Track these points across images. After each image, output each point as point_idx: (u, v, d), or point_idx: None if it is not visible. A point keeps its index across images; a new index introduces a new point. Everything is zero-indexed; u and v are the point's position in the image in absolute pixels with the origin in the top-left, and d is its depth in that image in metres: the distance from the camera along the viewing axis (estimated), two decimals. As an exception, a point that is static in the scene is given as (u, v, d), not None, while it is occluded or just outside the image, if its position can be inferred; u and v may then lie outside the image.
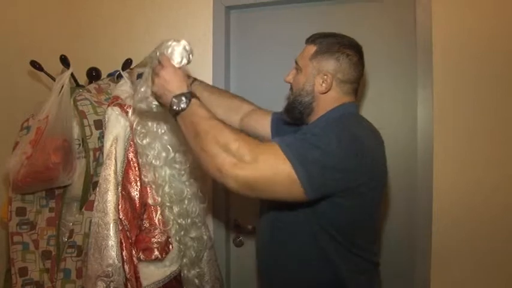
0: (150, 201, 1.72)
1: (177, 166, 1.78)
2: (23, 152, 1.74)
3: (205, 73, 2.17)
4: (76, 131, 1.76)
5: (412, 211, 1.99)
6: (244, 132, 1.71)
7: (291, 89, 1.47)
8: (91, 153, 1.72)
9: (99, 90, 1.86)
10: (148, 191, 1.73)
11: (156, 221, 1.73)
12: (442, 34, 1.88)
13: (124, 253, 1.61)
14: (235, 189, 1.14)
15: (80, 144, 1.77)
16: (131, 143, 1.71)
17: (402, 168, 2.01)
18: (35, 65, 1.94)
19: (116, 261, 1.57)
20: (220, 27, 2.16)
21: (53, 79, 1.94)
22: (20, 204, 1.79)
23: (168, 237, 1.71)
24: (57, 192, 1.80)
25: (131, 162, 1.70)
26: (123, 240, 1.62)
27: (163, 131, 1.75)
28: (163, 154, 1.75)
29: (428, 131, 1.91)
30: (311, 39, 1.43)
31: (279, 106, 1.54)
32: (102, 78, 2.05)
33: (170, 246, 1.70)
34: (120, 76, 1.92)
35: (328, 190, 1.18)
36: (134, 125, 1.71)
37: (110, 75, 2.05)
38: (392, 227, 2.03)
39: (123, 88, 1.81)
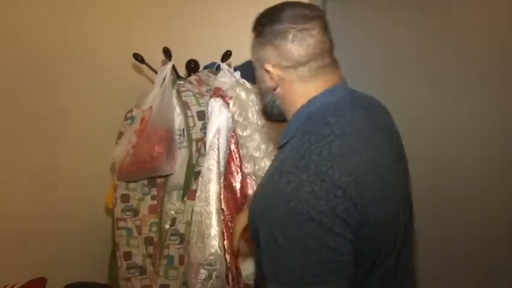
0: (250, 192, 1.73)
1: (276, 158, 1.78)
2: (128, 141, 1.81)
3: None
4: (177, 122, 1.80)
5: None
6: None
7: None
8: (194, 143, 1.75)
9: (200, 82, 1.89)
10: (249, 182, 1.74)
11: (256, 212, 1.74)
12: None
13: (225, 243, 1.64)
14: None
15: (180, 135, 1.81)
16: (233, 134, 1.73)
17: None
18: (137, 57, 2.01)
19: (218, 250, 1.60)
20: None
21: (155, 71, 2.00)
22: (124, 191, 1.86)
23: (268, 229, 1.72)
24: (158, 181, 1.85)
25: (233, 153, 1.73)
26: (224, 230, 1.64)
27: (263, 124, 1.75)
28: (263, 146, 1.75)
29: None
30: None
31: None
32: (200, 70, 2.08)
33: (270, 238, 1.71)
34: (219, 68, 1.95)
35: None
36: (236, 117, 1.72)
37: (206, 67, 2.08)
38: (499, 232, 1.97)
39: (223, 79, 1.83)
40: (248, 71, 1.95)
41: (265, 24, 1.06)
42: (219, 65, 1.97)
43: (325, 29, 1.05)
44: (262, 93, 1.18)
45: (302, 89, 1.06)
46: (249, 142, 1.74)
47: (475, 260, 2.00)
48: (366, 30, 2.13)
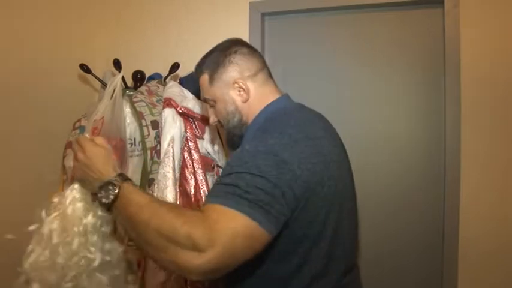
0: (202, 195, 1.82)
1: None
2: (81, 151, 1.83)
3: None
4: (128, 131, 1.86)
5: (438, 217, 2.09)
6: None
7: (221, 124, 1.39)
8: (148, 152, 1.81)
9: (150, 93, 1.96)
10: (200, 186, 1.83)
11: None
12: (470, 43, 1.99)
13: (182, 245, 1.72)
14: (203, 279, 1.02)
15: (131, 144, 1.87)
16: (185, 142, 1.82)
17: (429, 173, 2.13)
18: (83, 67, 2.03)
19: (177, 253, 1.67)
20: (256, 33, 2.27)
21: (101, 81, 2.04)
22: (75, 200, 1.87)
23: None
24: (110, 189, 1.89)
25: (186, 161, 1.81)
26: (181, 234, 1.73)
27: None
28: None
29: (455, 137, 2.01)
30: (198, 72, 1.38)
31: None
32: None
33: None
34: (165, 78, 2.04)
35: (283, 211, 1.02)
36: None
37: (150, 78, 2.15)
38: (418, 232, 2.15)
39: (173, 89, 1.91)
40: (192, 82, 2.07)
41: (218, 55, 1.31)
42: (166, 76, 2.05)
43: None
44: (228, 118, 1.32)
45: (261, 94, 1.29)
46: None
47: (398, 258, 2.17)
48: (295, 42, 2.30)
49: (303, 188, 1.04)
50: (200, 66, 1.36)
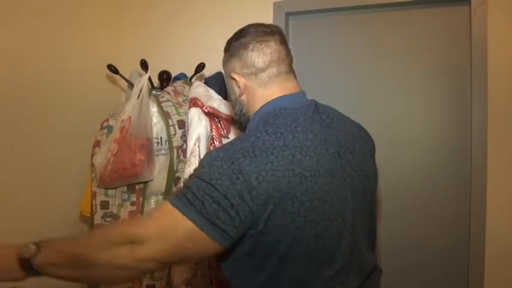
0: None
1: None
2: (109, 150, 1.87)
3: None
4: (155, 130, 1.90)
5: (465, 215, 2.07)
6: None
7: None
8: (174, 150, 1.84)
9: (176, 92, 1.99)
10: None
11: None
12: (497, 41, 1.95)
13: (208, 243, 1.75)
14: (155, 269, 1.04)
15: (158, 143, 1.91)
16: (211, 141, 1.85)
17: (455, 170, 2.11)
18: (111, 68, 2.08)
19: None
20: (280, 32, 2.28)
21: (128, 82, 2.08)
22: (103, 198, 1.92)
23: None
24: (137, 187, 1.93)
25: (212, 160, 1.84)
26: (207, 232, 1.75)
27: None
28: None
29: (482, 134, 1.98)
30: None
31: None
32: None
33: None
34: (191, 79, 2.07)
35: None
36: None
37: (176, 78, 2.18)
38: (444, 231, 2.13)
39: (199, 89, 1.94)
40: (217, 82, 2.09)
41: (232, 41, 1.24)
42: (192, 76, 2.08)
43: (281, 42, 1.22)
44: (233, 105, 1.32)
45: (262, 94, 1.20)
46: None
47: (418, 256, 2.16)
48: (319, 41, 2.30)
49: (260, 200, 0.97)
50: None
